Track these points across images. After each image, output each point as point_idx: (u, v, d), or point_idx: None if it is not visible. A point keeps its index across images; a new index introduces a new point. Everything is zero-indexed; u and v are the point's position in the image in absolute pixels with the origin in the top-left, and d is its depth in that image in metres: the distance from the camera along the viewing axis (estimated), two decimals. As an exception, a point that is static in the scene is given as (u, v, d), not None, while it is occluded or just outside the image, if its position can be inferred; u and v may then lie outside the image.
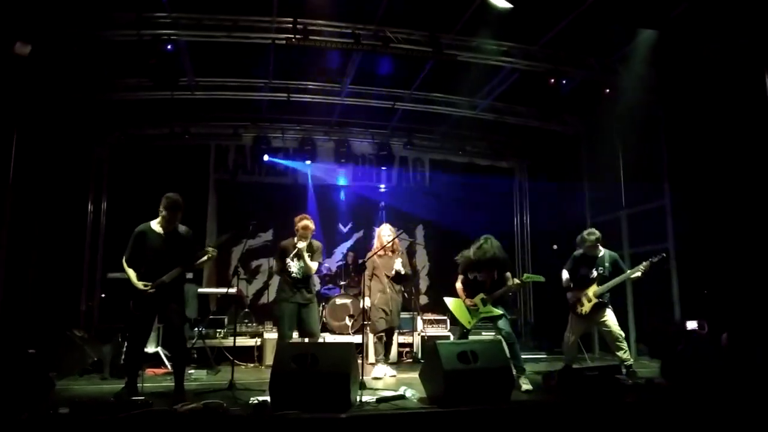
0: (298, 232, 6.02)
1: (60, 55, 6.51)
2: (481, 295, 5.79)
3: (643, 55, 6.87)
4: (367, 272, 6.51)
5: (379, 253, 6.46)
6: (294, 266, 5.99)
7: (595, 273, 5.83)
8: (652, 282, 7.49)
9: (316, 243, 6.22)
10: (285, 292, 6.01)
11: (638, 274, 5.68)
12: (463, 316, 5.89)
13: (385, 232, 6.62)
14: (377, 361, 6.43)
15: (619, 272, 5.79)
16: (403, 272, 6.54)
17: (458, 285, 6.04)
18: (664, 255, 5.64)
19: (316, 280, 7.08)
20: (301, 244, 5.94)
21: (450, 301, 6.05)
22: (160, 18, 6.45)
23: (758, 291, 5.96)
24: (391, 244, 6.52)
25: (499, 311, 5.74)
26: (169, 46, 6.61)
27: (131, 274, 4.92)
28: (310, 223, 6.04)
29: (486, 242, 5.95)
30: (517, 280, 5.83)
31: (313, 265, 6.05)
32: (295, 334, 6.09)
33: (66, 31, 6.26)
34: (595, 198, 8.98)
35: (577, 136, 9.16)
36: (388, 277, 6.52)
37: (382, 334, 6.49)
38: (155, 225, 5.03)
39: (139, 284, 4.87)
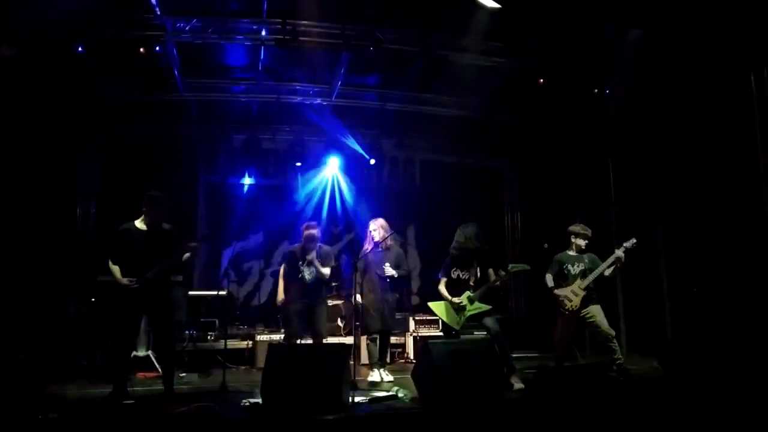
0: (304, 240, 6.18)
1: (48, 56, 6.46)
2: (468, 293, 5.78)
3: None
4: (358, 271, 6.20)
5: (370, 249, 6.28)
6: (306, 272, 6.10)
7: (578, 269, 5.90)
8: (642, 280, 7.58)
9: (326, 248, 6.32)
10: (296, 294, 6.12)
11: (615, 262, 5.71)
12: (450, 318, 5.86)
13: (372, 227, 6.41)
14: (372, 366, 6.36)
15: (599, 266, 5.85)
16: (396, 275, 6.31)
17: (441, 288, 5.99)
18: (635, 240, 5.69)
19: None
20: (311, 255, 6.08)
21: (435, 305, 6.01)
22: (149, 19, 6.41)
23: (747, 287, 6.01)
24: (383, 240, 6.30)
25: (487, 306, 5.73)
26: (157, 48, 6.61)
27: (115, 270, 4.93)
28: (314, 232, 6.17)
29: (467, 228, 5.95)
30: (501, 272, 5.78)
31: (326, 271, 6.13)
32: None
33: (53, 32, 6.20)
34: (584, 197, 9.01)
35: (566, 135, 9.18)
36: (379, 275, 6.30)
37: (376, 336, 6.42)
38: (138, 222, 5.05)
39: (124, 280, 4.86)
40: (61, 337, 6.86)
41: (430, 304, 6.08)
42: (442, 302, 5.96)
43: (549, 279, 6.02)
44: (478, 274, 5.85)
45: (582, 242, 6.00)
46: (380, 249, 6.34)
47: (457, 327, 5.80)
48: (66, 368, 6.44)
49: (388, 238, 6.35)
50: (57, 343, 6.72)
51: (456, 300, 5.80)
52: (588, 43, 7.04)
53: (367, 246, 6.39)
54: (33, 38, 6.13)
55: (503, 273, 5.77)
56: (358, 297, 6.19)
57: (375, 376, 6.21)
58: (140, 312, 5.01)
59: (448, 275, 5.97)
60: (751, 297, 5.95)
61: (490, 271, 5.86)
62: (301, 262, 6.14)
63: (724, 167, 6.43)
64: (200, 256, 9.33)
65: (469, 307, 5.74)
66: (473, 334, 6.43)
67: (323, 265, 6.12)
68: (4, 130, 6.48)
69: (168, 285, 5.18)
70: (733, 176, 6.31)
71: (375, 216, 6.78)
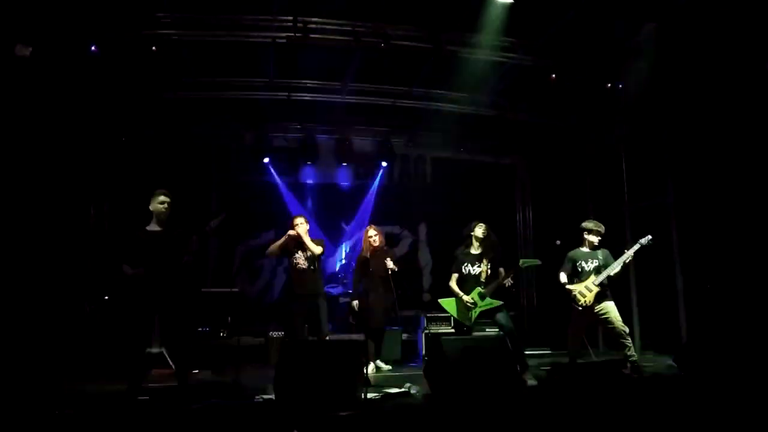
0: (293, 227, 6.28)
1: (61, 56, 6.51)
2: (478, 289, 5.79)
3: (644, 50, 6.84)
4: (357, 273, 6.83)
5: (370, 254, 6.80)
6: (301, 257, 6.17)
7: (591, 265, 5.87)
8: (656, 277, 7.52)
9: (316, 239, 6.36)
10: (294, 287, 6.18)
11: (630, 256, 5.70)
12: (461, 314, 5.89)
13: (371, 234, 6.89)
14: (369, 359, 6.60)
15: (612, 262, 5.84)
16: (396, 270, 6.68)
17: (452, 284, 6.06)
18: (650, 237, 5.69)
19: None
20: (300, 228, 6.11)
21: (445, 302, 6.06)
22: (161, 17, 6.44)
23: (762, 284, 5.94)
24: (379, 244, 6.77)
25: (498, 302, 5.74)
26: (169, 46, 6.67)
27: (126, 268, 4.97)
28: (298, 219, 6.25)
29: (477, 226, 6.03)
30: (511, 270, 5.83)
31: (316, 248, 6.15)
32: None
33: (66, 31, 6.25)
34: (597, 194, 8.95)
35: (578, 132, 9.11)
36: (380, 276, 6.68)
37: (375, 331, 6.78)
38: (151, 225, 5.10)
39: (131, 270, 4.90)
40: (78, 329, 6.92)
41: (440, 300, 6.11)
42: (453, 299, 5.98)
43: (562, 276, 6.01)
44: (489, 271, 5.86)
45: (595, 239, 5.97)
46: (380, 252, 6.78)
47: (468, 323, 5.82)
48: (81, 365, 6.50)
49: (382, 241, 6.91)
50: (72, 340, 6.79)
51: (466, 297, 5.82)
52: (600, 38, 6.98)
53: (370, 252, 6.83)
54: (47, 38, 6.18)
55: (513, 271, 5.79)
56: (356, 302, 6.81)
57: (372, 367, 6.54)
58: (153, 308, 5.03)
59: (459, 271, 6.01)
60: (766, 294, 5.88)
61: (501, 269, 5.88)
62: (295, 248, 6.22)
63: (739, 162, 6.35)
64: (213, 252, 9.41)
65: (480, 303, 5.76)
66: (485, 330, 6.42)
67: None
68: (20, 130, 6.53)
69: (180, 282, 5.19)
70: (748, 171, 6.23)
71: (383, 214, 6.98)
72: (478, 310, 5.77)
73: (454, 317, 6.04)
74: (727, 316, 6.34)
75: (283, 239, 6.19)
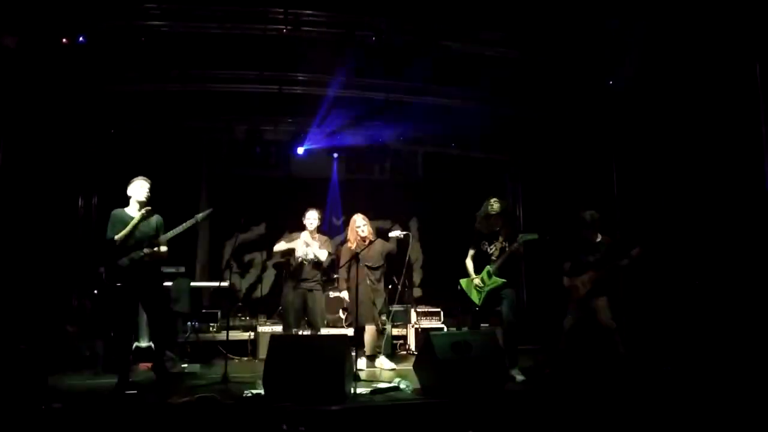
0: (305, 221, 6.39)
1: (48, 47, 6.43)
2: (487, 268, 5.78)
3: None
4: (343, 265, 6.48)
5: (357, 245, 6.45)
6: (302, 252, 6.25)
7: (590, 258, 5.89)
8: (645, 272, 7.55)
9: (323, 237, 6.47)
10: (291, 279, 6.24)
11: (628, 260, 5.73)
12: (473, 294, 5.90)
13: (359, 224, 6.56)
14: (377, 354, 6.48)
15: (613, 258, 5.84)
16: (401, 236, 6.54)
17: (468, 261, 5.97)
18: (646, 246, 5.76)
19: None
20: (305, 235, 6.26)
21: (464, 282, 6.04)
22: (151, 9, 6.37)
23: (750, 283, 5.99)
24: (367, 234, 6.49)
25: (501, 280, 5.71)
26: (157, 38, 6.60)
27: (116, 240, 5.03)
28: (314, 213, 6.39)
29: (500, 201, 5.92)
30: (515, 245, 5.77)
31: (321, 254, 6.23)
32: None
33: (54, 22, 6.18)
34: (588, 190, 8.96)
35: (570, 128, 9.11)
36: (368, 267, 6.48)
37: (369, 326, 6.44)
38: (129, 210, 5.17)
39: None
40: (63, 328, 6.87)
41: (461, 281, 6.07)
42: (468, 279, 5.99)
43: (566, 266, 6.03)
44: (507, 249, 5.79)
45: (594, 231, 5.97)
46: (367, 243, 6.49)
47: (478, 303, 5.80)
48: (69, 359, 6.46)
49: (370, 231, 6.59)
50: (60, 334, 6.74)
51: (476, 281, 5.81)
52: (590, 32, 6.98)
53: (357, 243, 6.45)
54: (35, 28, 6.10)
55: (516, 245, 5.74)
56: (345, 293, 6.60)
57: (382, 362, 6.44)
58: (134, 299, 5.02)
59: (477, 248, 5.96)
60: (754, 293, 5.92)
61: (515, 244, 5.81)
62: (302, 243, 6.31)
63: (728, 161, 6.39)
64: (203, 246, 9.37)
65: (487, 282, 5.75)
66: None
67: (320, 248, 6.29)
68: (6, 122, 6.46)
69: (159, 271, 5.22)
70: (737, 171, 6.27)
71: (374, 208, 6.89)
72: (485, 290, 5.77)
73: (468, 297, 5.95)
74: (714, 312, 6.38)
75: (292, 244, 6.28)
